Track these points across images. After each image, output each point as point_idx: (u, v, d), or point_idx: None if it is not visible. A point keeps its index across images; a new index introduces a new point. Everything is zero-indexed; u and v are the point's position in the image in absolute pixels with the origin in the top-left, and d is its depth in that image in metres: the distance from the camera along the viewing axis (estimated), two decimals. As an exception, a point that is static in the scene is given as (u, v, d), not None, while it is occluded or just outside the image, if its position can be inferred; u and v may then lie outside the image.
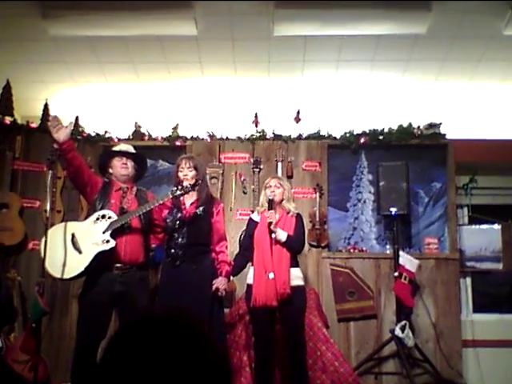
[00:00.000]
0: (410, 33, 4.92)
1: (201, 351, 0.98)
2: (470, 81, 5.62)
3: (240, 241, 4.87)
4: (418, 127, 5.47)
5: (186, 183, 3.82)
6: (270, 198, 4.08)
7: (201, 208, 3.92)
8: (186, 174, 3.95)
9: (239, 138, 5.58)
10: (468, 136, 5.57)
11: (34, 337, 4.33)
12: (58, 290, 5.07)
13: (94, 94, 5.94)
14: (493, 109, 5.89)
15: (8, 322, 4.83)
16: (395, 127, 5.49)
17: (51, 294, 4.96)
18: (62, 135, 3.62)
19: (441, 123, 5.46)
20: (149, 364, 0.93)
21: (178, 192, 3.76)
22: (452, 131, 5.48)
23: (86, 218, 3.87)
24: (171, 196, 3.78)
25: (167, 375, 0.92)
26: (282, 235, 3.98)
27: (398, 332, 4.66)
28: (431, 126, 5.44)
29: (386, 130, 5.49)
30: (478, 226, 5.53)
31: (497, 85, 5.69)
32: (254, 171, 5.42)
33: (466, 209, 5.72)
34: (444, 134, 5.45)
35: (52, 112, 5.49)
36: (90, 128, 5.65)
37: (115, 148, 4.17)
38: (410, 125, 5.49)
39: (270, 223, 3.97)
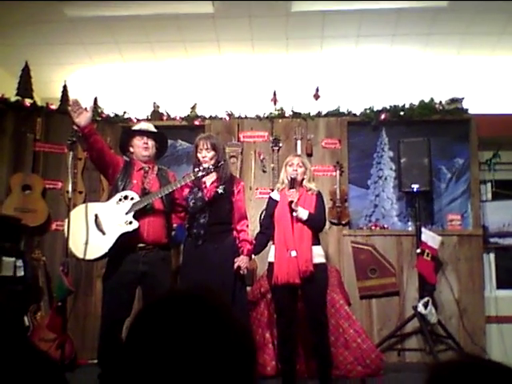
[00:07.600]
0: (431, 6, 4.82)
1: (225, 328, 0.98)
2: (492, 54, 5.51)
3: (260, 219, 4.87)
4: (440, 102, 5.39)
5: (205, 165, 3.80)
6: (293, 176, 4.03)
7: (221, 187, 3.91)
8: (205, 155, 3.92)
9: (258, 116, 5.55)
10: (491, 111, 5.48)
11: (60, 315, 4.41)
12: (82, 270, 5.14)
13: (111, 74, 5.94)
14: (516, 82, 5.78)
15: (34, 302, 4.93)
16: (416, 103, 5.41)
17: (76, 273, 5.03)
18: (83, 120, 3.59)
19: (463, 98, 5.37)
20: (174, 341, 0.93)
21: (200, 173, 3.75)
22: (474, 106, 5.39)
23: (108, 198, 3.88)
24: (193, 177, 3.77)
25: (192, 352, 0.92)
26: (302, 213, 3.95)
27: (420, 308, 4.66)
28: (453, 100, 5.35)
29: (407, 106, 5.42)
30: (501, 202, 5.45)
31: (520, 57, 5.57)
32: (273, 149, 5.39)
33: (489, 184, 5.64)
34: (466, 109, 5.37)
35: (71, 93, 5.51)
36: (109, 109, 5.65)
37: (135, 127, 4.14)
38: (432, 100, 5.40)
39: (291, 202, 3.94)
